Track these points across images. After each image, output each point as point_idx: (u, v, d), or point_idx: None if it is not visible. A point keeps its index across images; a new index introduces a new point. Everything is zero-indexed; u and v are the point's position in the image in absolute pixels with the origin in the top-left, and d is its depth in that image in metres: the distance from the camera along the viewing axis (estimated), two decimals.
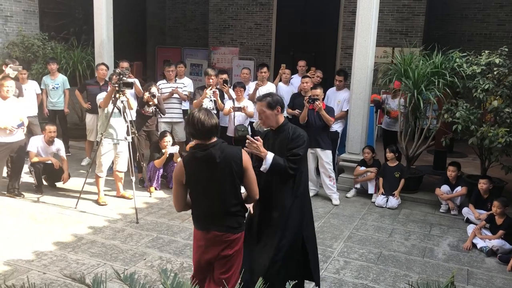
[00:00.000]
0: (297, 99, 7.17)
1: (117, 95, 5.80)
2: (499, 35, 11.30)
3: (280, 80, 8.06)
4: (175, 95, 7.64)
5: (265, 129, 3.98)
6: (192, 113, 3.07)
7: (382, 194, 6.65)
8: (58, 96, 8.46)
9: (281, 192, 3.50)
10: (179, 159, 6.57)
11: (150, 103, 6.90)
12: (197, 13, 14.51)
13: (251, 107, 7.11)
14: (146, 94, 6.81)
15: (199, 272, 3.24)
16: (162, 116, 7.31)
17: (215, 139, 3.05)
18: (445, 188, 6.48)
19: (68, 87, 8.54)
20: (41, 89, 8.37)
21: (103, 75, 7.81)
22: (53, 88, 8.40)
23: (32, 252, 4.65)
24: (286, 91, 7.68)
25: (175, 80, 7.78)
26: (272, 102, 3.53)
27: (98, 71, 7.84)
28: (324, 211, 6.31)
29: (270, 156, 3.40)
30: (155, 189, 6.79)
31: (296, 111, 6.92)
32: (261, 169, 3.43)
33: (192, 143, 6.69)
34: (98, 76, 7.87)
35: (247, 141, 3.43)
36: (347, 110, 7.33)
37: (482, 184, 5.94)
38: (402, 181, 6.70)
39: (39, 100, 8.18)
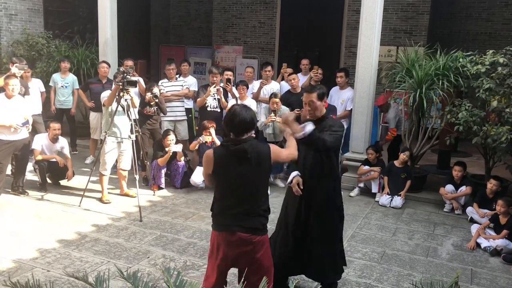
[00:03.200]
0: (291, 98, 7.16)
1: (121, 94, 5.82)
2: (504, 34, 11.23)
3: (283, 79, 8.06)
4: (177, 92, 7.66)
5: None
6: (232, 108, 3.13)
7: (388, 194, 6.62)
8: (66, 95, 8.48)
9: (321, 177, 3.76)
10: (171, 144, 6.59)
11: (152, 103, 6.92)
12: (201, 12, 14.51)
13: (253, 106, 7.10)
14: (148, 95, 6.83)
15: (218, 280, 3.07)
16: (164, 115, 7.32)
17: (248, 135, 3.07)
18: (449, 187, 6.46)
19: (77, 87, 8.53)
20: (50, 86, 8.40)
21: (105, 73, 7.84)
22: (62, 86, 8.43)
23: (36, 249, 4.67)
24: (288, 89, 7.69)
25: (176, 79, 7.78)
26: (321, 93, 3.75)
27: (100, 69, 7.87)
28: None
29: (311, 124, 3.51)
30: (159, 187, 6.80)
31: (296, 111, 6.92)
32: (299, 135, 3.43)
33: (195, 143, 6.74)
34: (99, 74, 7.89)
35: (286, 117, 3.49)
36: (351, 109, 7.32)
37: (493, 185, 5.90)
38: (409, 182, 6.67)
39: (43, 98, 8.20)
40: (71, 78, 8.55)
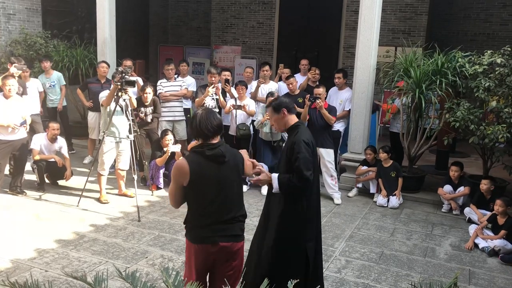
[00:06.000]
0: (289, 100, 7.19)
1: (120, 94, 5.81)
2: (502, 35, 11.26)
3: (280, 79, 8.06)
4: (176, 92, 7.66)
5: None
6: (196, 114, 2.98)
7: (385, 196, 6.61)
8: (57, 93, 8.48)
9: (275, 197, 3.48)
10: (180, 158, 6.58)
11: (147, 103, 6.89)
12: (200, 12, 14.51)
13: (252, 105, 7.10)
14: (148, 94, 6.81)
15: (199, 280, 2.90)
16: (158, 116, 7.30)
17: (219, 139, 2.96)
18: (448, 188, 6.47)
19: (64, 83, 8.55)
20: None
21: (104, 73, 7.83)
22: (50, 86, 8.42)
23: (34, 249, 4.66)
24: (286, 90, 7.68)
25: (175, 79, 7.78)
26: (276, 106, 3.46)
27: (99, 68, 7.86)
28: (326, 210, 6.31)
29: (275, 176, 3.33)
30: (157, 187, 6.79)
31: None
32: (273, 190, 3.37)
33: (193, 143, 6.73)
34: (99, 74, 7.89)
35: (253, 178, 3.38)
36: (349, 109, 7.33)
37: (483, 185, 5.93)
38: (400, 180, 6.68)
39: (41, 98, 8.19)
40: (56, 75, 8.53)
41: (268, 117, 6.56)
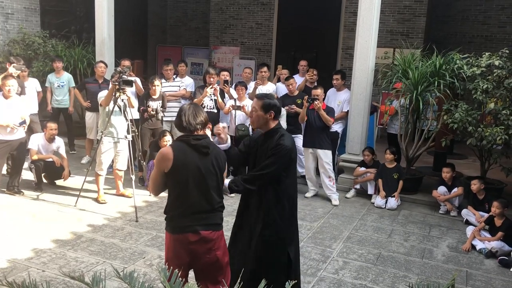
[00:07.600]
0: (287, 100, 7.22)
1: (117, 94, 5.81)
2: (499, 37, 11.30)
3: (279, 80, 8.07)
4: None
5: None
6: (183, 107, 3.09)
7: (384, 197, 6.62)
8: (63, 94, 8.45)
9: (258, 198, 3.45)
10: (167, 145, 6.56)
11: (155, 96, 6.86)
12: (198, 12, 14.52)
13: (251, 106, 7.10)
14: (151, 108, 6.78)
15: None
16: (164, 110, 7.27)
17: (204, 132, 3.06)
18: (442, 189, 6.48)
19: (73, 85, 8.52)
20: (46, 86, 8.37)
21: (102, 73, 7.82)
22: (58, 86, 8.39)
23: (31, 249, 4.65)
24: (285, 91, 7.70)
25: (174, 79, 7.77)
26: (268, 105, 3.37)
27: (97, 68, 7.85)
28: (324, 211, 6.31)
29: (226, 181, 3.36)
30: None
31: (287, 107, 7.01)
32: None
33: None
34: (96, 74, 7.88)
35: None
36: (348, 110, 7.33)
37: (473, 185, 5.96)
38: (401, 182, 6.68)
39: (39, 98, 8.18)
40: (66, 76, 8.52)
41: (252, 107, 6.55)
